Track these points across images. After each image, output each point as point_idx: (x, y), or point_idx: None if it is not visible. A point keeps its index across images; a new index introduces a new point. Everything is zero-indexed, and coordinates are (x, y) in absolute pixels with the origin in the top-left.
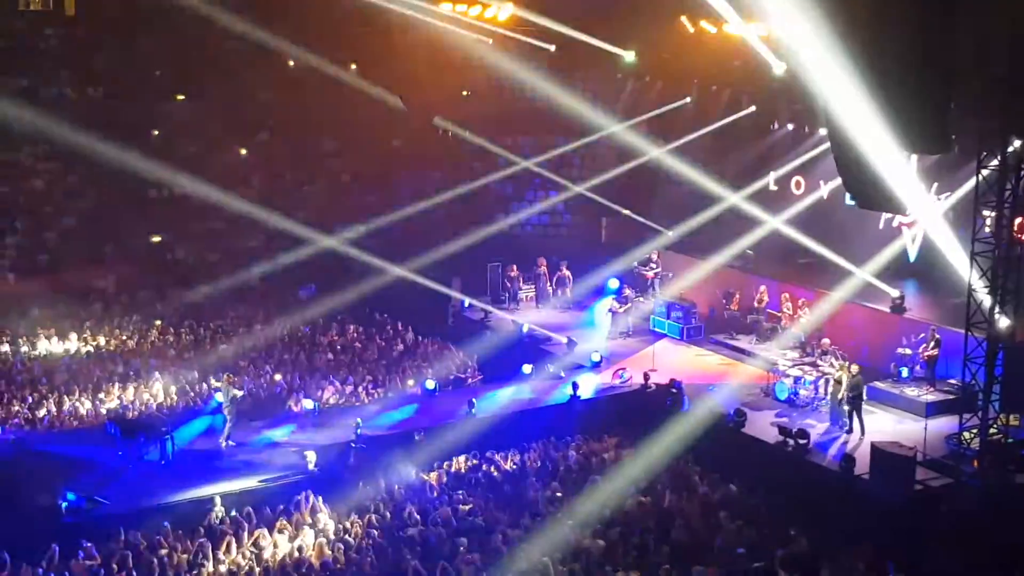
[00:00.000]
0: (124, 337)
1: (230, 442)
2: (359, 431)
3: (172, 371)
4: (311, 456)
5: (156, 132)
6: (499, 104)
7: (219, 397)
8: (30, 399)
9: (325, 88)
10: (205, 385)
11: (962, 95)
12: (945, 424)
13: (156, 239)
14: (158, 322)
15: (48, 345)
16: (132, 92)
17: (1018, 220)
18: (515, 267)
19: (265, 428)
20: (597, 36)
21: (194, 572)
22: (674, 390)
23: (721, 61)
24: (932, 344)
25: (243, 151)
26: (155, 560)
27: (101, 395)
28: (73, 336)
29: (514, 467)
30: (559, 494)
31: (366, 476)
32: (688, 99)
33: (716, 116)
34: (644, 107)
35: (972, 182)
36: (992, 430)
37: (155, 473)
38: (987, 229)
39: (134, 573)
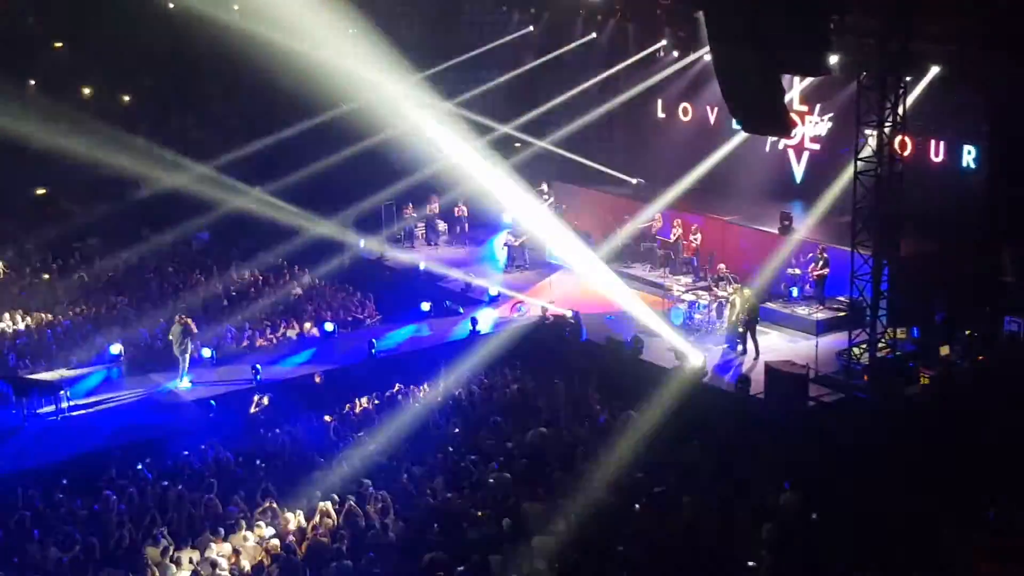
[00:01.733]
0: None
1: (184, 383)
2: (258, 377)
3: (68, 324)
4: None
5: (33, 82)
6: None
7: (173, 336)
8: None
9: (207, 31)
10: (100, 339)
11: (842, 13)
12: (836, 341)
13: (40, 192)
14: (46, 276)
15: None
16: (8, 40)
17: (899, 138)
18: (410, 205)
19: (164, 379)
20: None
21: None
22: (572, 321)
23: None
24: (821, 263)
25: (126, 98)
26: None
27: None
28: None
29: (416, 405)
30: (458, 430)
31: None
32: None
33: (601, 47)
34: (531, 40)
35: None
36: (880, 344)
37: (51, 431)
38: (869, 149)
39: (35, 532)
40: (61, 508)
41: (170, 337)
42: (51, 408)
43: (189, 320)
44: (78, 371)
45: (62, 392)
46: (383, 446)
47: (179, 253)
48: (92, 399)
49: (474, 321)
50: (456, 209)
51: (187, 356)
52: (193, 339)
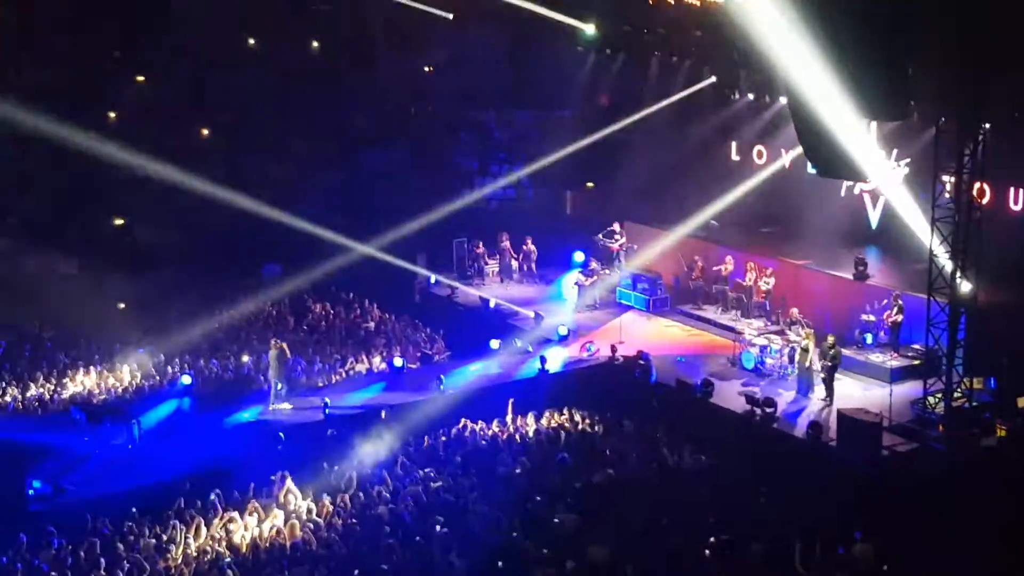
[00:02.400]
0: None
1: (284, 405)
2: (327, 411)
3: (137, 354)
4: (280, 435)
5: (113, 114)
6: (462, 79)
7: (270, 360)
8: None
9: (285, 67)
10: (170, 368)
11: (920, 60)
12: (910, 389)
13: (119, 222)
14: (122, 305)
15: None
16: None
17: (977, 185)
18: (480, 243)
19: (233, 409)
20: (557, 10)
21: (163, 556)
22: (641, 362)
23: (681, 32)
24: (896, 310)
25: (205, 132)
26: (123, 546)
27: (66, 380)
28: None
29: (484, 443)
30: (525, 468)
31: (337, 457)
32: (650, 71)
33: (677, 87)
34: (606, 79)
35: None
36: (956, 394)
37: (121, 458)
38: (947, 195)
39: (102, 560)
40: (130, 536)
41: (268, 361)
42: (122, 436)
43: (284, 345)
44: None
45: (133, 421)
46: (449, 483)
47: (247, 286)
48: (163, 429)
49: (543, 360)
50: (525, 247)
51: (281, 380)
52: (287, 364)
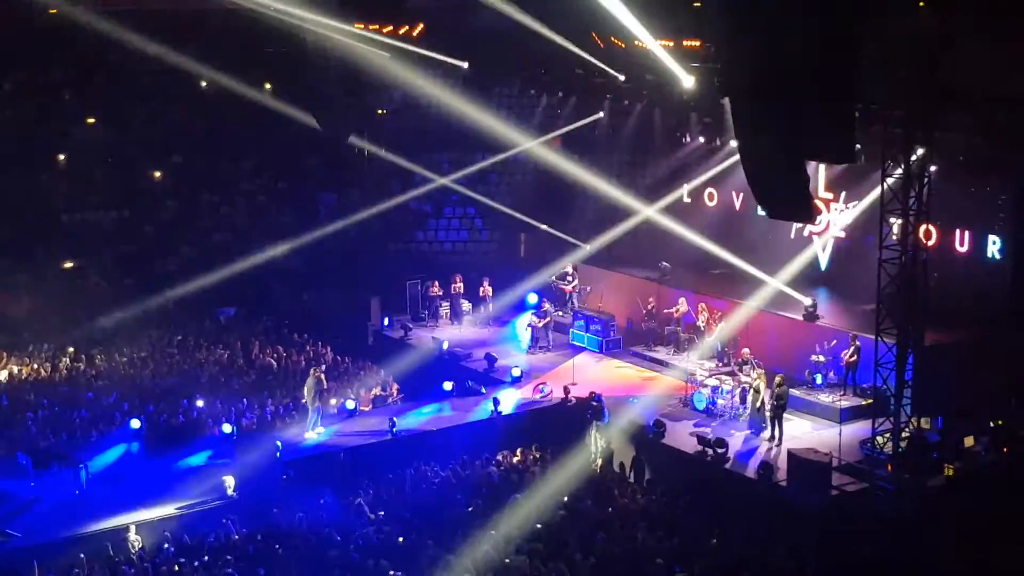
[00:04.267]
0: (36, 366)
1: (319, 430)
2: (278, 455)
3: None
4: (230, 481)
5: (62, 157)
6: (415, 122)
7: (307, 388)
8: None
9: (239, 109)
10: (118, 414)
11: (866, 103)
12: (860, 429)
13: (68, 265)
14: (71, 349)
15: None
16: (41, 116)
17: (923, 227)
18: (436, 284)
19: (183, 454)
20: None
21: None
22: (594, 403)
23: (632, 76)
24: (852, 350)
25: (157, 174)
26: None
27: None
28: None
29: (436, 485)
30: (482, 510)
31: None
32: (601, 114)
33: (628, 130)
34: (558, 123)
35: (878, 190)
36: (904, 434)
37: (69, 503)
38: (894, 236)
39: None
40: None
41: (304, 390)
42: (70, 482)
43: (322, 374)
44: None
45: (80, 466)
46: (401, 525)
47: (203, 328)
48: (111, 474)
49: (496, 401)
50: (480, 289)
51: (317, 407)
52: (324, 392)
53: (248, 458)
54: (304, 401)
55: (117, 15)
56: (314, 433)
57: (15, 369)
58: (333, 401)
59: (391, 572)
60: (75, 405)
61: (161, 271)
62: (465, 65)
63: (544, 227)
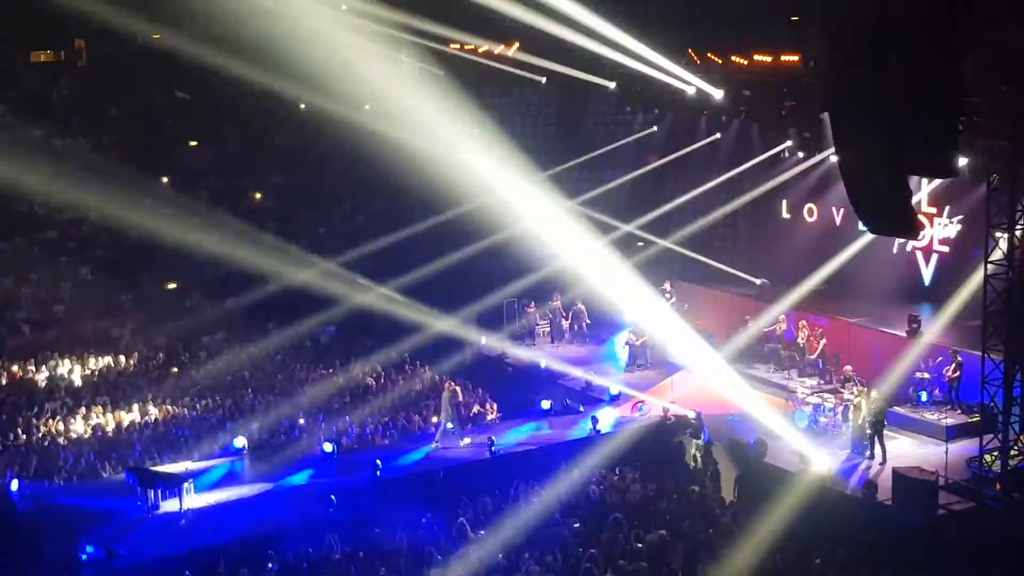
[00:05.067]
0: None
1: (465, 440)
2: (378, 472)
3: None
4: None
5: (166, 179)
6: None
7: (443, 400)
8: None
9: (338, 130)
10: (225, 433)
11: (970, 116)
12: (966, 447)
13: (171, 286)
14: (175, 370)
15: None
16: (145, 140)
17: None
18: (532, 303)
19: (286, 473)
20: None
21: None
22: (694, 421)
23: (728, 92)
24: (954, 366)
25: (258, 195)
26: None
27: None
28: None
29: (535, 504)
30: (580, 529)
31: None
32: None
33: (726, 146)
34: (656, 138)
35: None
36: (1013, 452)
37: (174, 523)
38: (999, 251)
39: None
40: None
41: (442, 403)
42: (175, 500)
43: (457, 388)
44: (203, 464)
45: (186, 485)
46: (501, 544)
47: (303, 348)
48: (215, 492)
49: (595, 420)
50: (574, 306)
51: (451, 419)
52: (458, 405)
53: (349, 477)
54: (440, 418)
55: (217, 40)
56: (463, 442)
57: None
58: (435, 419)
59: None
60: (178, 424)
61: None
62: (543, 80)
63: (640, 244)
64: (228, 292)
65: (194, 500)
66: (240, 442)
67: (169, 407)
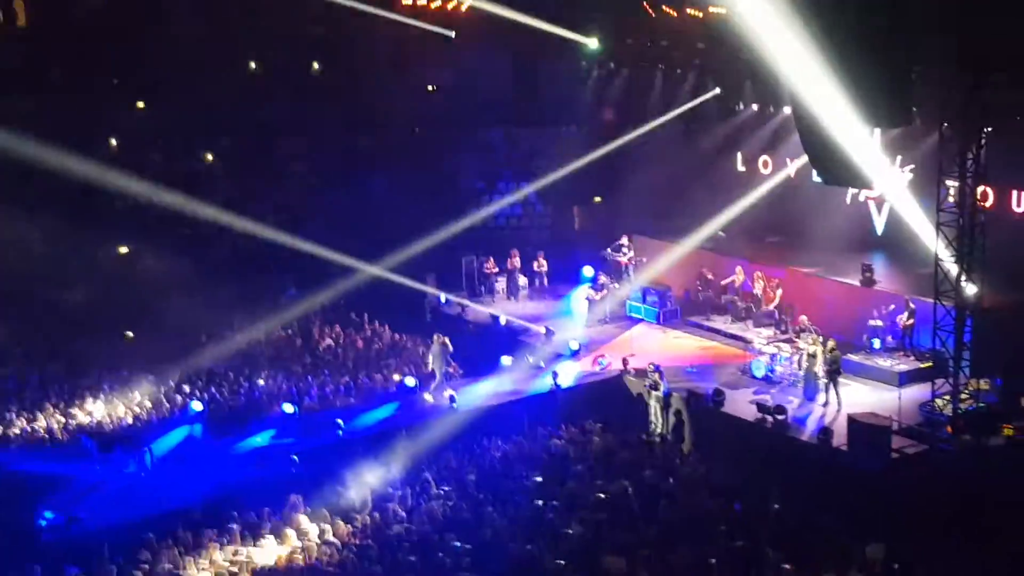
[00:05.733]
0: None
1: (447, 392)
2: (340, 432)
3: (148, 381)
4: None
5: (113, 142)
6: (465, 97)
7: (433, 354)
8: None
9: (287, 90)
10: (179, 396)
11: (922, 66)
12: (919, 392)
13: (123, 250)
14: (130, 333)
15: None
16: (90, 102)
17: (980, 189)
18: (491, 260)
19: (245, 434)
20: (559, 24)
21: None
22: (654, 374)
23: (684, 44)
24: (908, 314)
25: (209, 157)
26: (139, 574)
27: (74, 410)
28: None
29: (498, 458)
30: (541, 481)
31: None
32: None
33: (682, 100)
34: (611, 94)
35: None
36: (963, 396)
37: (135, 486)
38: (951, 199)
39: None
40: (144, 564)
41: (430, 356)
42: (135, 464)
43: (447, 340)
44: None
45: (145, 448)
46: (465, 500)
47: (264, 309)
48: (175, 455)
49: (555, 375)
50: (535, 263)
51: (443, 371)
52: (450, 356)
53: (310, 437)
54: (431, 368)
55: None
56: (444, 396)
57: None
58: (397, 376)
59: (456, 544)
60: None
61: (216, 255)
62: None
63: (598, 199)
64: (184, 254)
65: (154, 464)
66: (198, 405)
67: (125, 372)
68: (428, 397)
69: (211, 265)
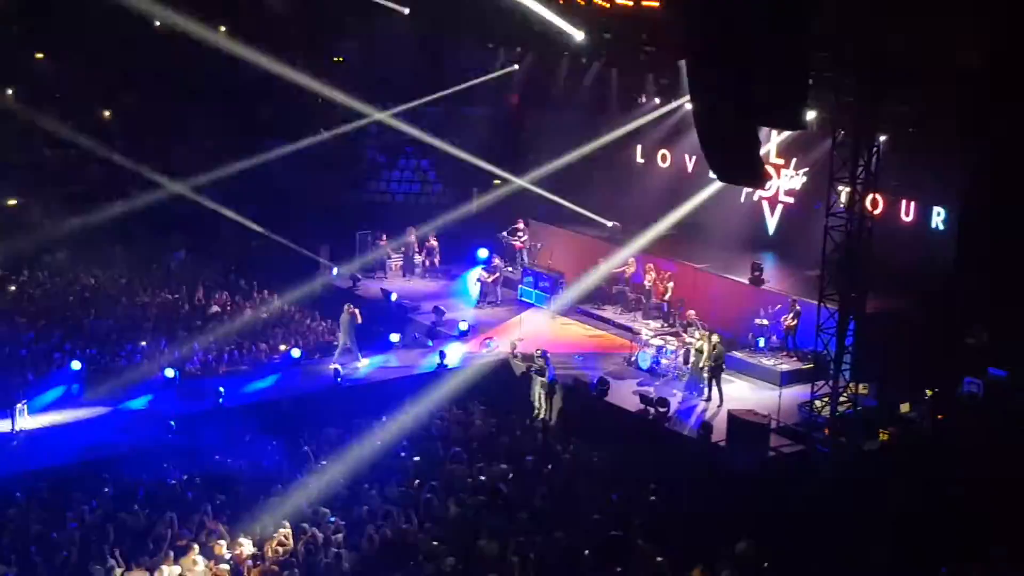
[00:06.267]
0: None
1: (364, 362)
2: (220, 400)
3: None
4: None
5: (10, 92)
6: (371, 71)
7: (342, 323)
8: None
9: (191, 50)
10: (57, 355)
11: (818, 72)
12: (799, 393)
13: (12, 203)
14: (11, 288)
15: None
16: None
17: (870, 196)
18: (385, 236)
19: (124, 398)
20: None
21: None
22: (540, 359)
23: (590, 33)
24: (792, 315)
25: (107, 113)
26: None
27: None
28: None
29: (379, 435)
30: (421, 462)
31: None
32: (559, 72)
33: (584, 89)
34: (517, 79)
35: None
36: (842, 399)
37: (6, 443)
38: (841, 204)
39: None
40: (11, 524)
41: (340, 324)
42: (6, 421)
43: (356, 310)
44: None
45: (19, 405)
46: (344, 475)
47: (151, 271)
48: (50, 414)
49: (442, 355)
50: (428, 242)
51: (350, 341)
52: (356, 327)
53: (190, 403)
54: (340, 338)
55: None
56: (361, 363)
57: None
58: (283, 347)
59: (331, 520)
60: (15, 344)
61: (108, 212)
62: (406, 11)
63: (497, 183)
64: (73, 211)
65: (27, 421)
66: (76, 365)
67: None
68: (335, 366)
69: (100, 223)
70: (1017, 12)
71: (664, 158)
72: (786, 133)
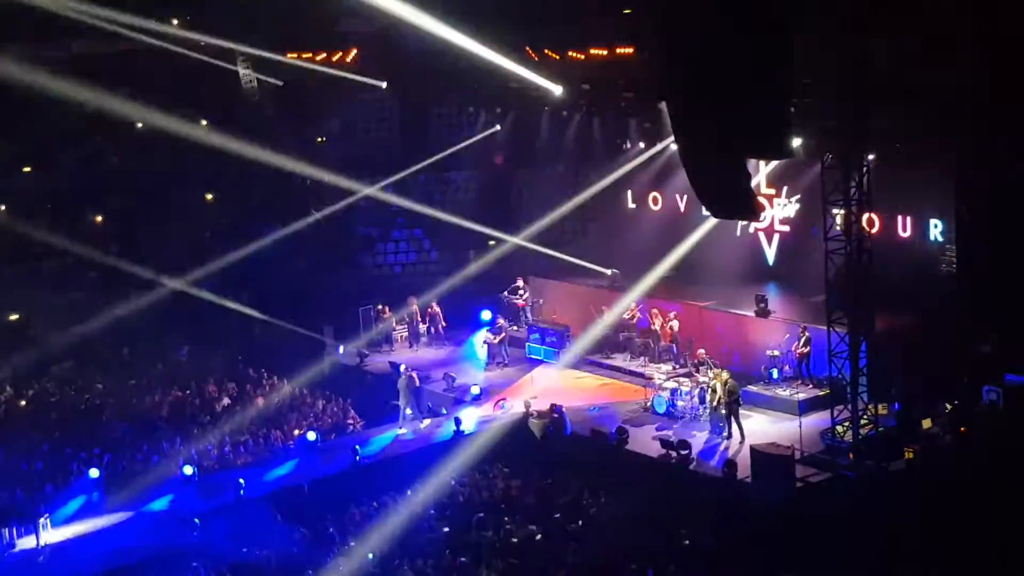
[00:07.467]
0: None
1: (425, 422)
2: (242, 491)
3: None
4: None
5: (2, 208)
6: (355, 146)
7: (400, 387)
8: None
9: (176, 147)
10: (74, 464)
11: (801, 98)
12: (819, 420)
13: (13, 317)
14: (22, 403)
15: None
16: None
17: (865, 216)
18: (387, 308)
19: (145, 500)
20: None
21: None
22: (555, 415)
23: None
24: (803, 342)
25: (99, 218)
26: None
27: None
28: None
29: (403, 509)
30: (449, 531)
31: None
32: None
33: (568, 141)
34: (499, 138)
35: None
36: (863, 421)
37: (32, 560)
38: (837, 227)
39: None
40: None
41: (399, 389)
42: (31, 537)
43: (413, 373)
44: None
45: (41, 520)
46: (373, 554)
47: (157, 370)
48: (73, 525)
49: (458, 421)
50: (429, 309)
51: (409, 406)
52: (417, 391)
53: (211, 499)
54: (401, 403)
55: (46, 61)
56: (423, 424)
57: None
58: (297, 432)
59: None
60: (31, 457)
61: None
62: (384, 85)
63: (492, 243)
64: (74, 319)
65: (51, 535)
66: (94, 472)
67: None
68: (403, 431)
69: (103, 327)
70: (996, 21)
71: (656, 200)
72: (774, 162)
